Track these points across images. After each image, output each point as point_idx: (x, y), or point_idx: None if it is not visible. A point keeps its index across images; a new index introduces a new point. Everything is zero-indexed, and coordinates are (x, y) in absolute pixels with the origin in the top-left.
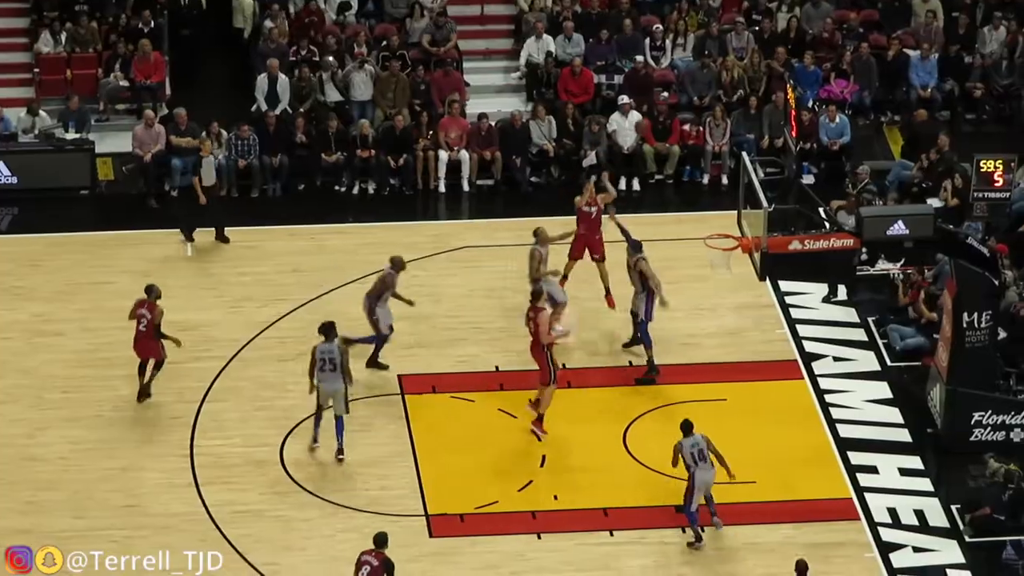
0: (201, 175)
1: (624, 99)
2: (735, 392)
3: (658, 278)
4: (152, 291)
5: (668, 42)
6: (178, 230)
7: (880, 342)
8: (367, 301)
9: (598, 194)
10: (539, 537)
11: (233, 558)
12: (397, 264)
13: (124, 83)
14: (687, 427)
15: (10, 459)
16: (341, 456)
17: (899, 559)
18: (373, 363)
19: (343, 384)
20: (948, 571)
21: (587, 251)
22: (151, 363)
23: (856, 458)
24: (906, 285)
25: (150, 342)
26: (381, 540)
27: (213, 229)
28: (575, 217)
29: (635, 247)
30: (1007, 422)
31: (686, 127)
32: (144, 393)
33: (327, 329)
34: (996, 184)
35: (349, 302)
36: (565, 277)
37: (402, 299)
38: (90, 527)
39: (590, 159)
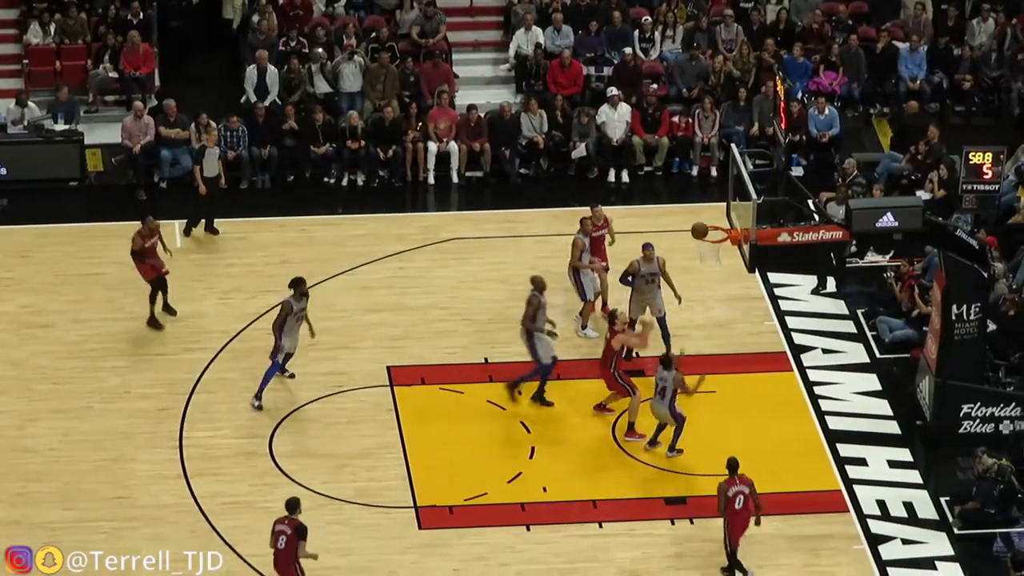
0: (203, 165)
1: (613, 91)
2: (724, 384)
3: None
4: (145, 222)
5: (657, 34)
6: (176, 221)
7: (869, 334)
8: (523, 332)
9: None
10: (528, 529)
11: (223, 549)
12: (539, 284)
13: (113, 74)
14: (667, 361)
15: (0, 450)
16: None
17: (888, 551)
18: (539, 398)
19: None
20: (937, 563)
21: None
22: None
23: (845, 450)
24: (896, 279)
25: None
26: (292, 505)
27: (203, 220)
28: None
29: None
30: (996, 414)
31: (675, 119)
32: (153, 323)
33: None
34: (985, 176)
35: (338, 294)
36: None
37: (550, 324)
38: (80, 519)
39: (579, 151)
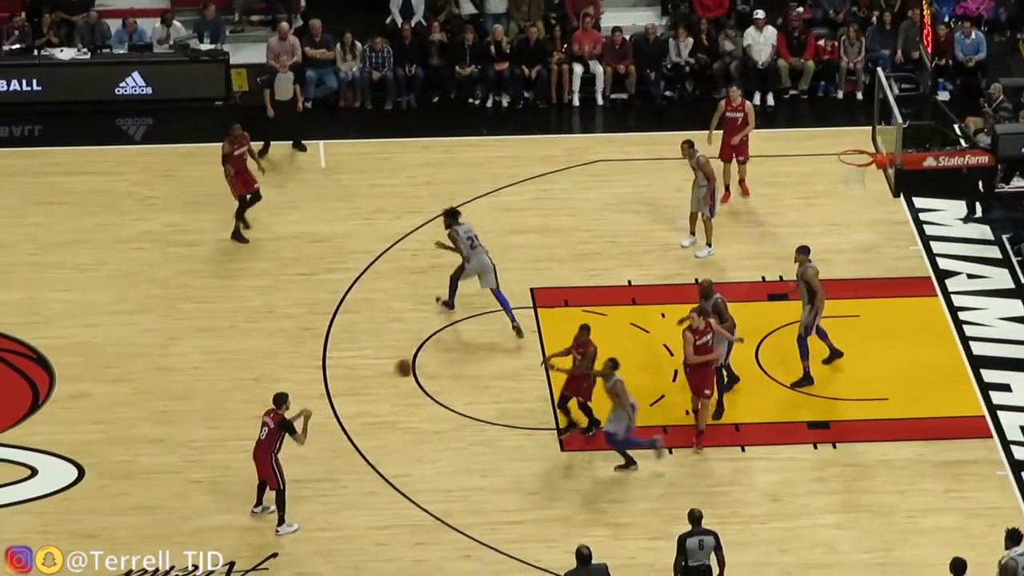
0: (275, 89)
1: (759, 14)
2: (868, 308)
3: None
4: (231, 130)
5: None
6: (321, 142)
7: (1015, 260)
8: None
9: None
10: (671, 452)
11: (365, 470)
12: (706, 290)
13: None
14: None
15: (144, 369)
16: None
17: None
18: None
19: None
20: None
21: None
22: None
23: (989, 376)
24: None
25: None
26: (280, 400)
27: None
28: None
29: (803, 251)
30: None
31: (820, 42)
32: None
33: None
34: None
35: (482, 215)
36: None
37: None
38: (223, 437)
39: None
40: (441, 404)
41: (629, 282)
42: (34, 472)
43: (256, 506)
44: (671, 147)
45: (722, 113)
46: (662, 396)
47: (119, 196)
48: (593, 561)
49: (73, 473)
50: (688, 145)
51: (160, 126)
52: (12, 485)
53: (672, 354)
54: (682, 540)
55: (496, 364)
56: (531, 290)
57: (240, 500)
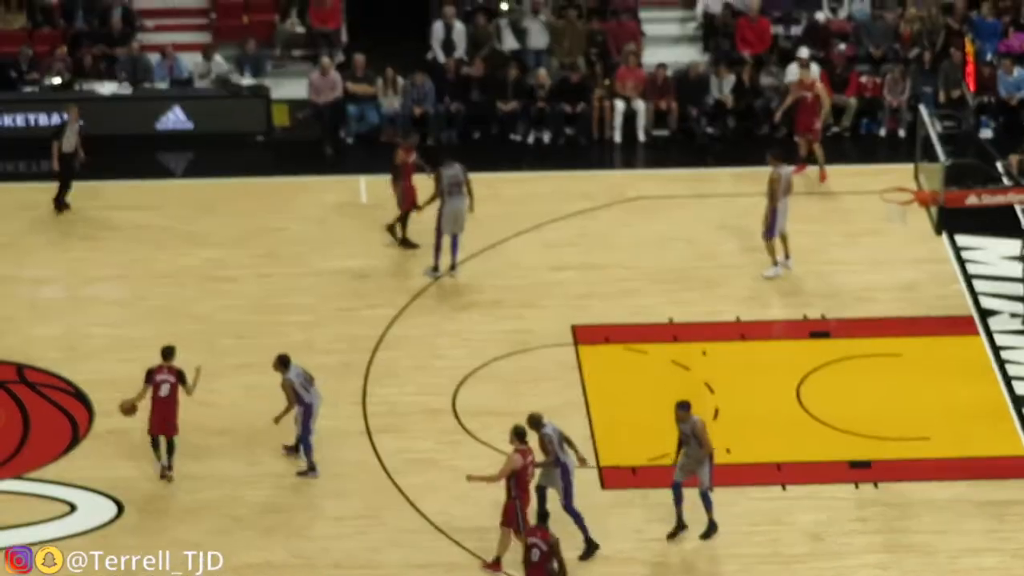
0: (63, 141)
1: (804, 53)
2: (910, 347)
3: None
4: (408, 137)
5: None
6: (362, 177)
7: None
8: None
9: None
10: (711, 490)
11: (405, 507)
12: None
13: (300, 29)
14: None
15: (183, 404)
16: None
17: None
18: None
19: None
20: None
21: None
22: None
23: None
24: None
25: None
26: (170, 352)
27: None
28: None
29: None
30: None
31: (863, 79)
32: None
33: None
34: None
35: (523, 251)
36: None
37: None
38: (263, 473)
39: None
40: (482, 442)
41: (670, 319)
42: (73, 508)
43: (169, 468)
44: (712, 184)
45: (796, 93)
46: None
47: (159, 230)
48: None
49: (112, 509)
50: (774, 157)
51: (201, 160)
52: (52, 521)
53: (712, 392)
54: None
55: (537, 401)
56: (572, 327)
57: (281, 535)
